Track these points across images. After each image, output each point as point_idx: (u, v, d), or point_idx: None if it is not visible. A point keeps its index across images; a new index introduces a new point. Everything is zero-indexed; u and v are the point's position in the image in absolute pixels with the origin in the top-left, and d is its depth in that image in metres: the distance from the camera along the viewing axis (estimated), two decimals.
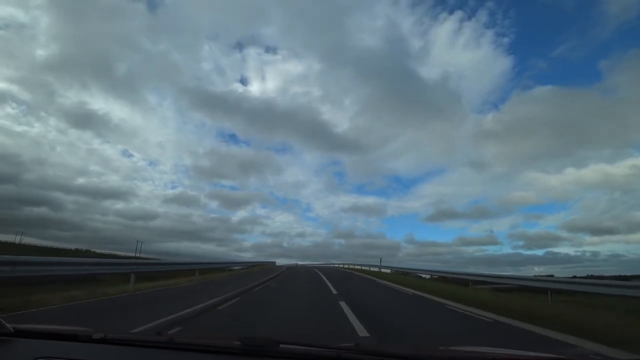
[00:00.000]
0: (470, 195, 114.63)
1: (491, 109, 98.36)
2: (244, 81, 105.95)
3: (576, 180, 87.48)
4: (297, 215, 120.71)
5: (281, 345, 1.25)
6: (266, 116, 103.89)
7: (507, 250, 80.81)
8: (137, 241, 55.97)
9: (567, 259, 67.65)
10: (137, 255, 48.33)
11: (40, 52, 76.39)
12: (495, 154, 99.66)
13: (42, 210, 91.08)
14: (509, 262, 65.86)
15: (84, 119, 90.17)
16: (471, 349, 1.68)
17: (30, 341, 1.31)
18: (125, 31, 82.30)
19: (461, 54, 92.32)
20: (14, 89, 79.72)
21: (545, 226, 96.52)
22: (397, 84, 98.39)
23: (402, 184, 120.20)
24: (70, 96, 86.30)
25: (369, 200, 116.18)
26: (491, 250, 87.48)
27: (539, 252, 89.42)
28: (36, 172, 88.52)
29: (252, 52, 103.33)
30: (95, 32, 79.39)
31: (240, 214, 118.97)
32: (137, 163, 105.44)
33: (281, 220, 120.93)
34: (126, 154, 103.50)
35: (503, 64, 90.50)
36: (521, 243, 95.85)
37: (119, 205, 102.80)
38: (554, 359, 1.58)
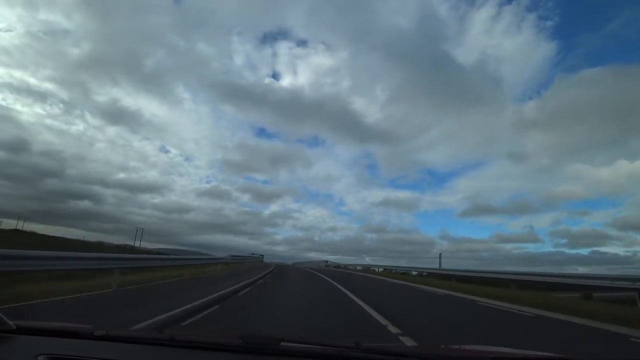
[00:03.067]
0: (508, 190, 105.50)
1: (533, 96, 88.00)
2: (275, 75, 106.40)
3: (628, 173, 75.16)
4: (329, 210, 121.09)
5: (282, 343, 1.26)
6: (296, 109, 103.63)
7: (548, 248, 73.58)
8: (137, 228, 48.85)
9: (616, 260, 59.38)
10: (138, 245, 45.41)
11: (75, 51, 78.90)
12: (537, 144, 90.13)
13: (85, 204, 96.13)
14: (550, 262, 59.55)
15: (118, 116, 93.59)
16: (473, 348, 1.67)
17: (31, 338, 1.32)
18: (152, 25, 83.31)
19: (500, 38, 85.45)
20: (54, 88, 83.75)
21: (591, 223, 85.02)
22: (430, 69, 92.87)
23: (437, 178, 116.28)
24: (104, 93, 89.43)
25: (402, 194, 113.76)
26: (531, 248, 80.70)
27: (584, 252, 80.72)
28: (77, 168, 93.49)
29: (281, 45, 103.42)
30: (123, 28, 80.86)
31: (272, 208, 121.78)
32: (173, 158, 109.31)
33: (313, 214, 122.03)
34: (163, 149, 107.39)
35: (547, 48, 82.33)
36: (564, 241, 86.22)
37: (157, 199, 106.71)
38: (554, 359, 1.59)
